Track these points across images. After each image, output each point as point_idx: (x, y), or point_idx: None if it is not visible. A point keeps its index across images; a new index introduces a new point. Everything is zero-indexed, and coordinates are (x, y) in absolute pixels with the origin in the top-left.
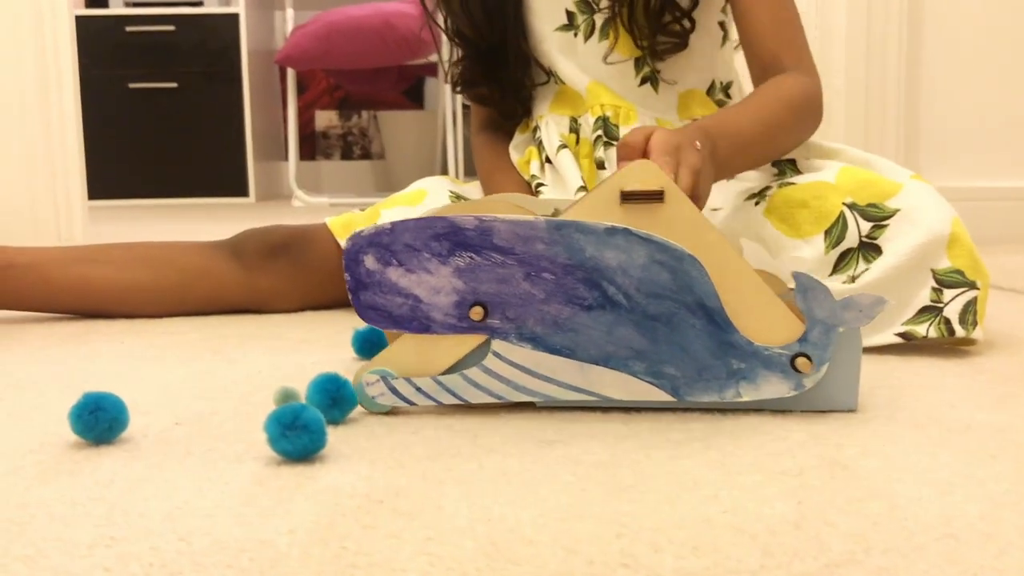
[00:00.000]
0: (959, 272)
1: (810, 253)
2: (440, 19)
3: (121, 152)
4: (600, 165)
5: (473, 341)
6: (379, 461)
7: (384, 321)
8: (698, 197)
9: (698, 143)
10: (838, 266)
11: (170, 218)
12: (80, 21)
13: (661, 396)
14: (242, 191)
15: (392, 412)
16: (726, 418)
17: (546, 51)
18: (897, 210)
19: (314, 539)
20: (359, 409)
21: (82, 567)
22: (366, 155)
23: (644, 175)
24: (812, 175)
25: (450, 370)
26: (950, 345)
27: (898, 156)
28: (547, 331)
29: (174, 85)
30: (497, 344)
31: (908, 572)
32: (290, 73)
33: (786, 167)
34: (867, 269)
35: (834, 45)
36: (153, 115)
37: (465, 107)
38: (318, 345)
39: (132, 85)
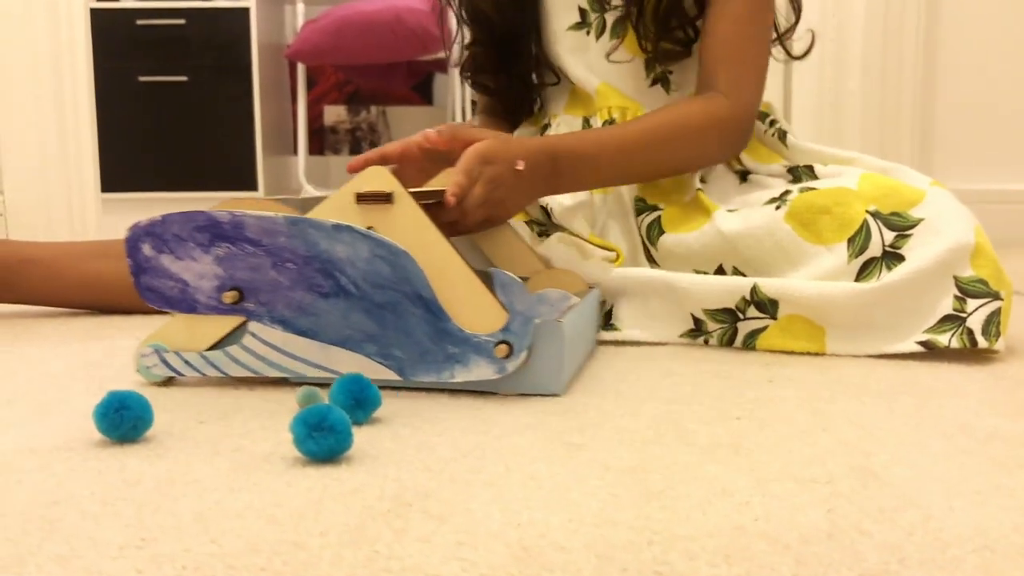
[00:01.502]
0: (983, 282)
1: (832, 261)
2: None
3: (129, 145)
4: None
5: (234, 322)
6: (405, 463)
7: (159, 302)
8: (496, 214)
9: (521, 163)
10: (861, 274)
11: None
12: (91, 14)
13: (390, 375)
14: (251, 185)
15: (414, 414)
16: (752, 423)
17: (558, 53)
18: (921, 219)
19: (345, 542)
20: (382, 410)
21: (115, 569)
22: None
23: (377, 179)
24: (833, 180)
25: (215, 347)
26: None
27: (912, 158)
28: (294, 315)
29: (184, 79)
30: (253, 325)
31: None
32: (300, 68)
33: (802, 172)
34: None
35: (850, 47)
36: (163, 109)
37: (474, 103)
38: None
39: (142, 78)
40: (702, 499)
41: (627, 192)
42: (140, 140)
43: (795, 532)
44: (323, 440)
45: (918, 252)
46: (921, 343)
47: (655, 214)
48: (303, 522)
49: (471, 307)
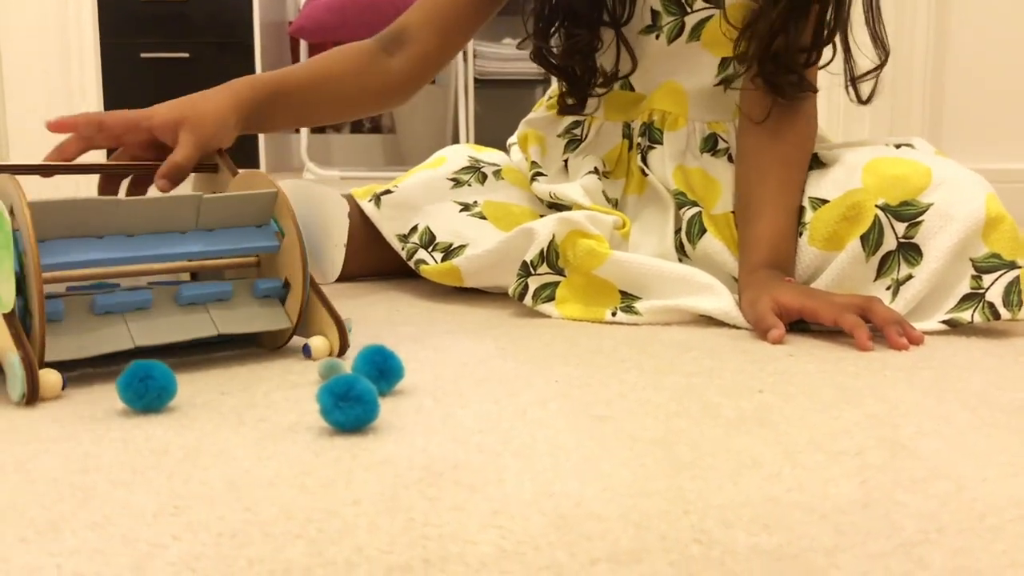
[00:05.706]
0: (996, 256)
1: (849, 261)
2: None
3: None
4: (642, 172)
5: None
6: (433, 433)
7: None
8: (811, 304)
9: (789, 280)
10: (880, 271)
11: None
12: None
13: None
14: (253, 163)
15: (436, 387)
16: (776, 397)
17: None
18: (930, 204)
19: (380, 510)
20: (405, 381)
21: (151, 535)
22: (376, 128)
23: None
24: (839, 183)
25: None
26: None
27: (923, 138)
28: None
29: (186, 55)
30: None
31: (985, 552)
32: (303, 45)
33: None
34: (910, 276)
35: (861, 25)
36: (165, 85)
37: (476, 81)
38: (357, 315)
39: (145, 55)
40: (732, 470)
41: (665, 186)
42: None
43: (829, 502)
44: (350, 410)
45: (933, 243)
46: (944, 322)
47: (696, 209)
48: (335, 491)
49: None
